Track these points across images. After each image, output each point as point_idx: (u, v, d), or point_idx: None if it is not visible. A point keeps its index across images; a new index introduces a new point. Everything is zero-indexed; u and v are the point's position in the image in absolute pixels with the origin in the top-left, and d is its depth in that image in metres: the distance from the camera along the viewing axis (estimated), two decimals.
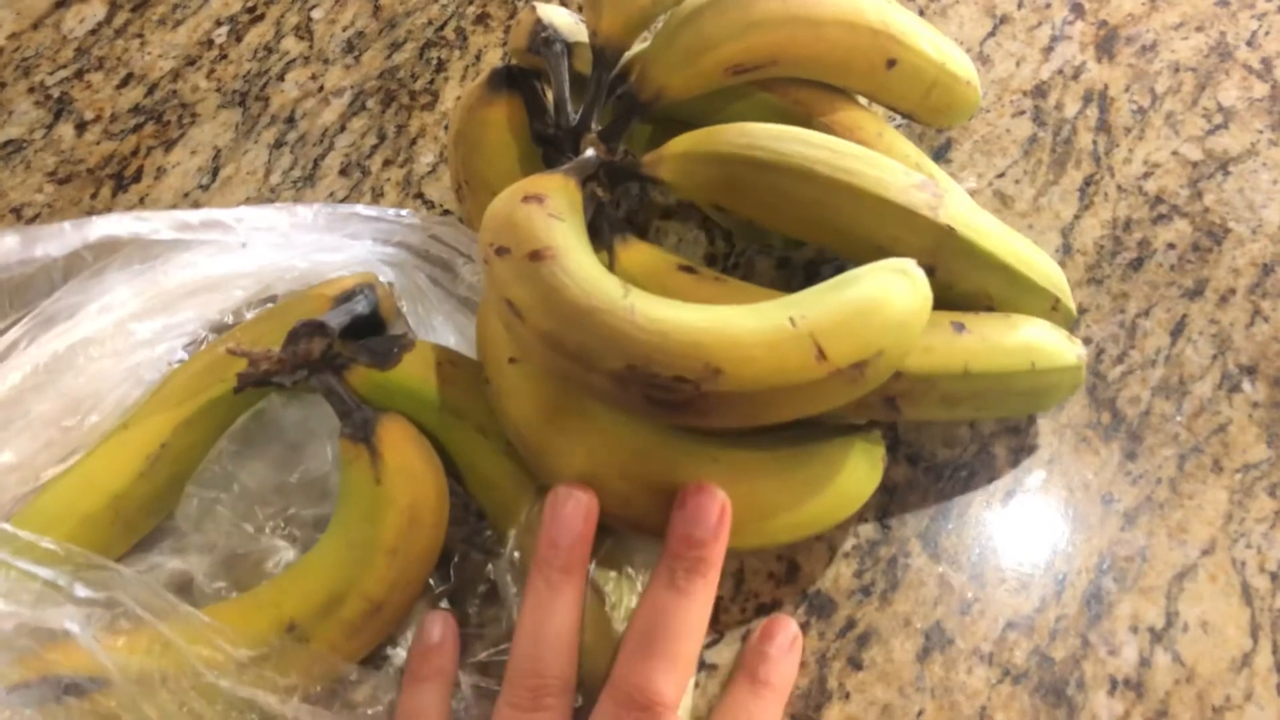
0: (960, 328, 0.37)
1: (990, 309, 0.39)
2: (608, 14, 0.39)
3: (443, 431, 0.37)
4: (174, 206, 0.49)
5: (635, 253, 0.37)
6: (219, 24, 0.56)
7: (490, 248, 0.31)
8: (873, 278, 0.32)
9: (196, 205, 0.50)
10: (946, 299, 0.38)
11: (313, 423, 0.38)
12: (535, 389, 0.34)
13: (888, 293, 0.31)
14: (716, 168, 0.37)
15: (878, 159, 0.37)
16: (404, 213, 0.41)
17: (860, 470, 0.38)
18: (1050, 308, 0.40)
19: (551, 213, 0.31)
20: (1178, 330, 0.44)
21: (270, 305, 0.39)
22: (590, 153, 0.38)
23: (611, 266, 0.37)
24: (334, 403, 0.36)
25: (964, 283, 0.38)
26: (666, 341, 0.29)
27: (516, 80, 0.41)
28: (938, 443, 0.42)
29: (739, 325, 0.30)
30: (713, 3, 0.39)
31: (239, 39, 0.55)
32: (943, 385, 0.36)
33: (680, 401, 0.30)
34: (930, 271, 0.36)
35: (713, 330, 0.29)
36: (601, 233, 0.38)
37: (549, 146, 0.40)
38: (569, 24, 0.42)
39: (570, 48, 0.41)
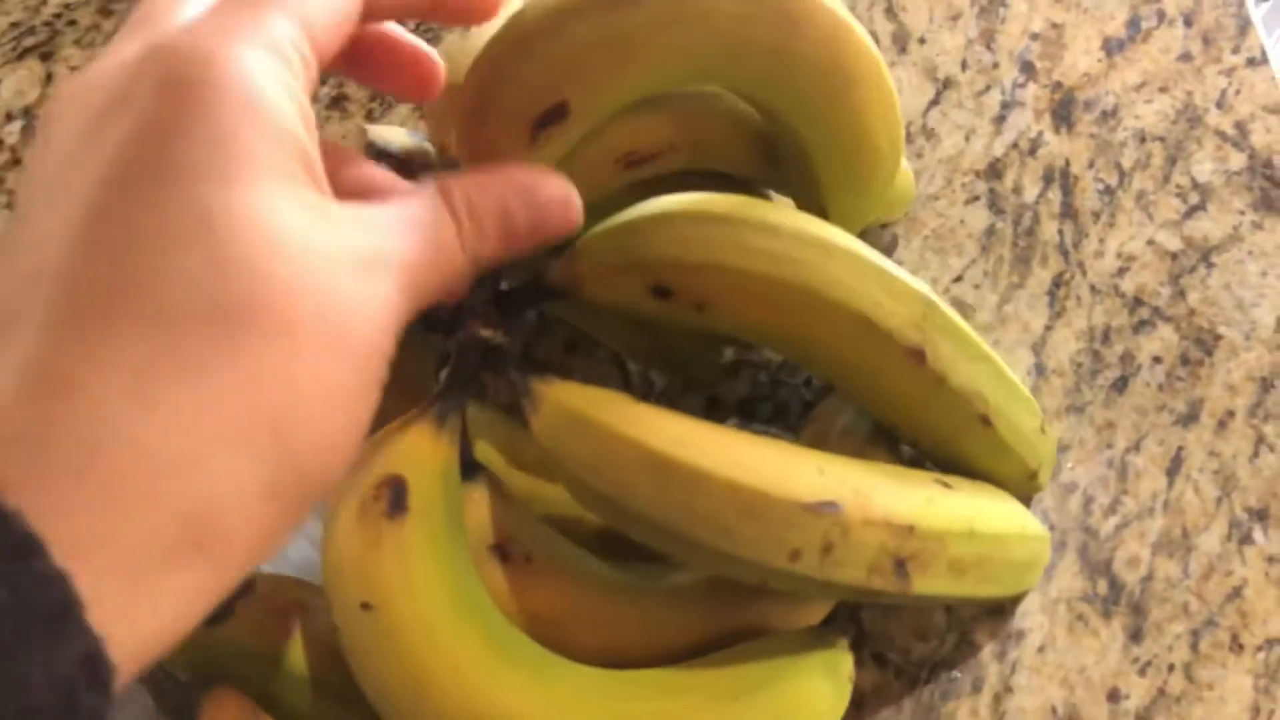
0: (947, 487, 0.31)
1: (965, 468, 0.33)
2: (592, 290, 0.31)
3: (291, 699, 0.29)
4: None
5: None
6: (10, 118, 0.45)
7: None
8: (798, 682, 0.28)
9: None
10: (937, 404, 0.31)
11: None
12: (399, 643, 0.26)
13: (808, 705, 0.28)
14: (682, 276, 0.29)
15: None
16: None
17: (824, 694, 0.30)
18: (1028, 476, 0.34)
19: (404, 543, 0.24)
20: (1174, 468, 0.38)
21: None
22: (471, 341, 0.29)
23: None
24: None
25: (956, 374, 0.31)
26: None
27: None
28: (909, 634, 0.35)
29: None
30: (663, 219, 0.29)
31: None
32: (952, 547, 0.30)
33: None
34: (920, 358, 0.30)
35: None
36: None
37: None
38: (410, 145, 0.33)
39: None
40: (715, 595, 0.31)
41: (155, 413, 0.15)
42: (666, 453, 0.26)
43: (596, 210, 0.30)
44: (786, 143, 0.33)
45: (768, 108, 0.32)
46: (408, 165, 0.33)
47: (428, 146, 0.34)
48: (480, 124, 0.27)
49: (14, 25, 0.48)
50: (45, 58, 0.47)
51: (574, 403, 0.27)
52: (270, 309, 0.16)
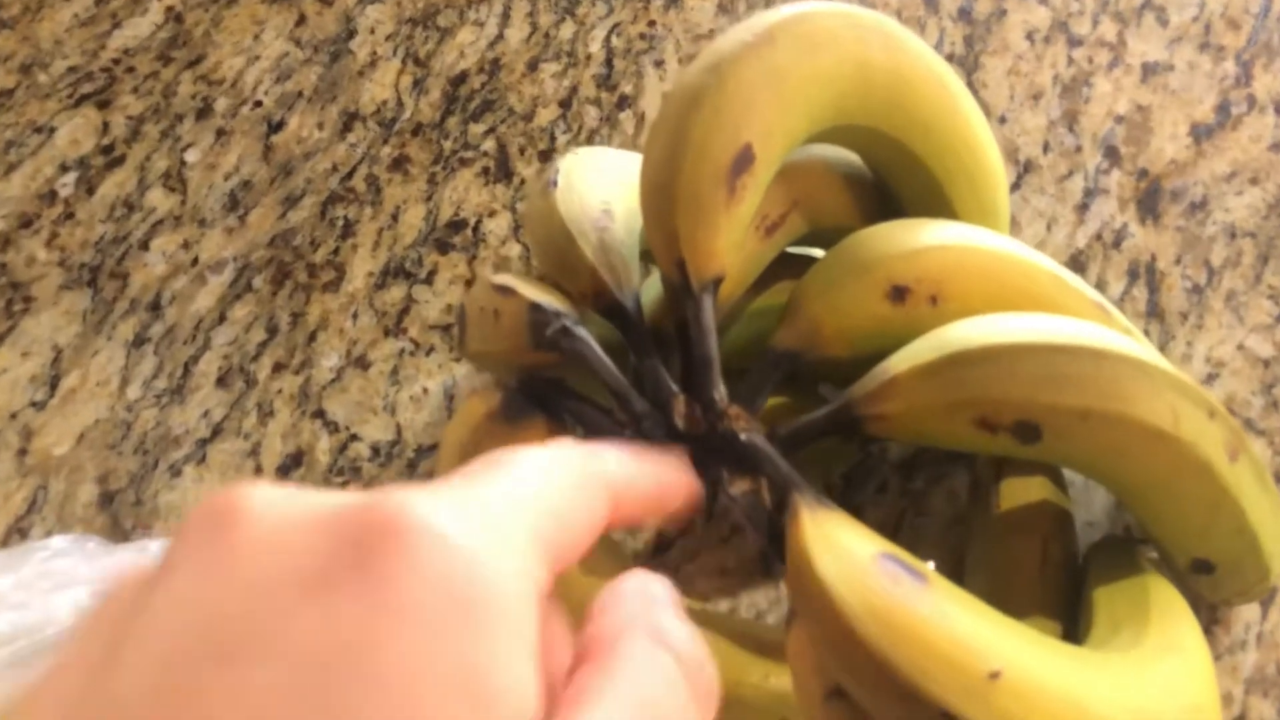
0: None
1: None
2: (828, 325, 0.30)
3: None
4: None
5: None
6: (65, 169, 0.44)
7: None
8: None
9: (28, 431, 0.39)
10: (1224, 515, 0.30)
11: None
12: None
13: None
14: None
15: None
16: None
17: None
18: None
19: None
20: (1269, 597, 0.36)
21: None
22: (753, 441, 0.27)
23: None
24: None
25: (1255, 510, 0.30)
26: None
27: (542, 397, 0.31)
28: None
29: None
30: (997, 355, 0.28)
31: (91, 190, 0.44)
32: None
33: None
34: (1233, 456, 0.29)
35: None
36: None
37: None
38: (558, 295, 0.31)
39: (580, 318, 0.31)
40: None
41: None
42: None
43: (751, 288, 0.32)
44: (916, 178, 0.34)
45: (895, 140, 0.33)
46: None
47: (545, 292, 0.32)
48: (675, 183, 0.27)
49: (71, 70, 0.47)
50: (102, 106, 0.46)
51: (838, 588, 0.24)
52: None
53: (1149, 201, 0.45)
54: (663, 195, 0.27)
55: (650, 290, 0.33)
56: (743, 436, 0.27)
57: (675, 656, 0.17)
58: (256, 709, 0.13)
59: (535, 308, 0.29)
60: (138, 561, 0.28)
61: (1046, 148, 0.46)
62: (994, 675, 0.22)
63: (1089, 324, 0.28)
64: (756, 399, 0.29)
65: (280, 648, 0.13)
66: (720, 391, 0.28)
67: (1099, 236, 0.44)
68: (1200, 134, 0.46)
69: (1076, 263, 0.43)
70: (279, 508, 0.15)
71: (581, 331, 0.29)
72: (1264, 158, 0.46)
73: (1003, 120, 0.47)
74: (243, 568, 0.14)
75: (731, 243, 0.28)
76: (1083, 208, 0.44)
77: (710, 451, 0.28)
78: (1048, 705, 0.22)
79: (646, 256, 0.33)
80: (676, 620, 0.17)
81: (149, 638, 0.14)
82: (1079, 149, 0.46)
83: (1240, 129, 0.46)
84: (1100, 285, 0.42)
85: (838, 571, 0.23)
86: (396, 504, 0.14)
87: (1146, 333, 0.41)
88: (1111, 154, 0.46)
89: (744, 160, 0.28)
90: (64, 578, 0.26)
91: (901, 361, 0.27)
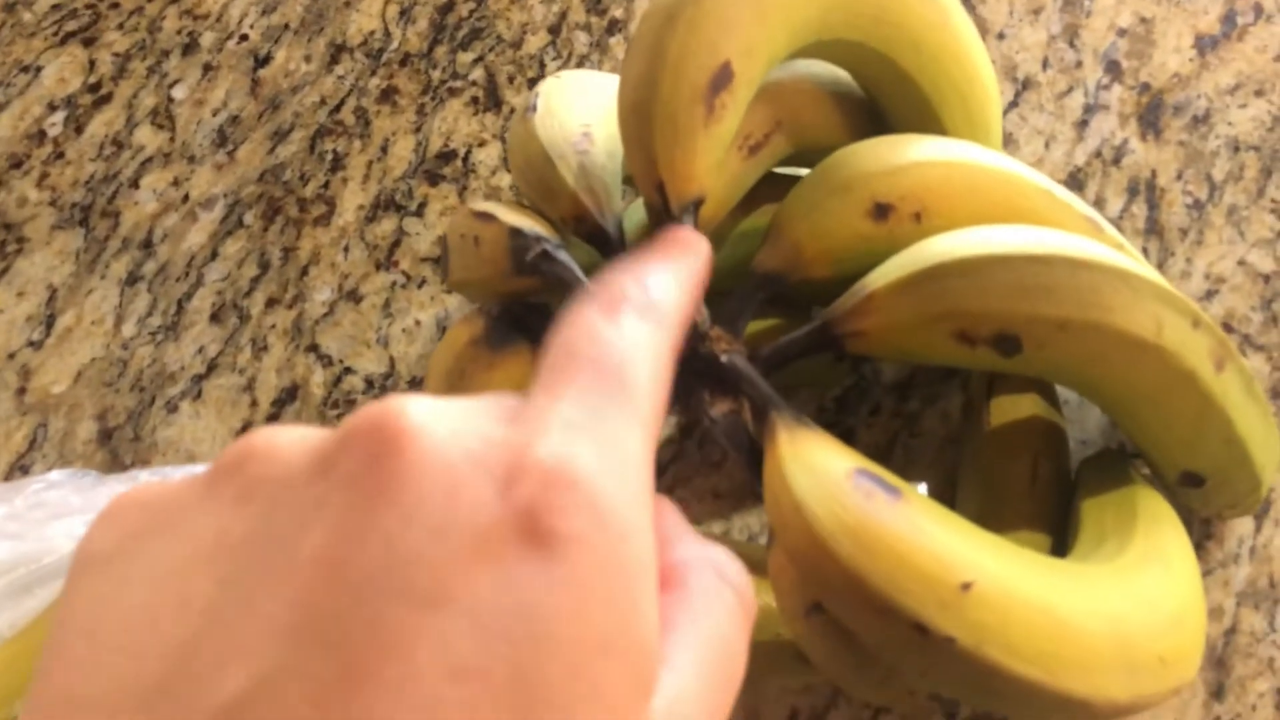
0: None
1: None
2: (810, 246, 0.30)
3: None
4: None
5: None
6: (53, 108, 0.44)
7: None
8: None
9: (26, 370, 0.39)
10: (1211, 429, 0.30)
11: None
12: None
13: None
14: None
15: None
16: None
17: None
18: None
19: None
20: (1262, 511, 0.36)
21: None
22: (733, 362, 0.27)
23: None
24: None
25: (1242, 418, 0.30)
26: None
27: (523, 321, 0.31)
28: None
29: None
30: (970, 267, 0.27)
31: (79, 129, 0.44)
32: None
33: None
34: (1219, 365, 0.28)
35: None
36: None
37: None
38: (540, 220, 0.31)
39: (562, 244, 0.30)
40: None
41: None
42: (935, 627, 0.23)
43: (736, 210, 0.32)
44: (906, 95, 0.33)
45: (883, 55, 0.32)
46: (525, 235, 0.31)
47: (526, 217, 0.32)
48: (651, 103, 0.27)
49: (55, 7, 0.46)
50: (88, 43, 0.46)
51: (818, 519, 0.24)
52: None
53: (1150, 116, 0.44)
54: (639, 116, 0.27)
55: (634, 214, 0.33)
56: (723, 358, 0.27)
57: (735, 591, 0.17)
58: (456, 662, 0.13)
59: (515, 233, 0.29)
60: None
61: (1046, 64, 0.45)
62: (966, 586, 0.22)
63: (1071, 235, 0.27)
64: (739, 321, 0.29)
65: (466, 603, 0.13)
66: (702, 314, 0.28)
67: (1098, 153, 0.43)
68: (1204, 45, 0.45)
69: (1075, 180, 0.42)
70: (440, 440, 0.14)
71: (563, 255, 0.29)
72: (1269, 69, 0.44)
73: (1001, 36, 0.46)
74: (419, 507, 0.14)
75: (711, 164, 0.28)
76: (1082, 124, 0.44)
77: (693, 373, 0.28)
78: (1021, 614, 0.23)
79: (630, 180, 0.33)
80: (731, 556, 0.18)
81: (331, 559, 0.13)
82: (1079, 64, 0.45)
83: (1246, 39, 0.45)
84: (1099, 203, 0.42)
85: (811, 488, 0.23)
86: (560, 463, 0.14)
87: (1145, 250, 0.41)
88: (1113, 68, 0.45)
89: (722, 78, 0.27)
90: (58, 508, 0.27)
91: (879, 277, 0.27)
